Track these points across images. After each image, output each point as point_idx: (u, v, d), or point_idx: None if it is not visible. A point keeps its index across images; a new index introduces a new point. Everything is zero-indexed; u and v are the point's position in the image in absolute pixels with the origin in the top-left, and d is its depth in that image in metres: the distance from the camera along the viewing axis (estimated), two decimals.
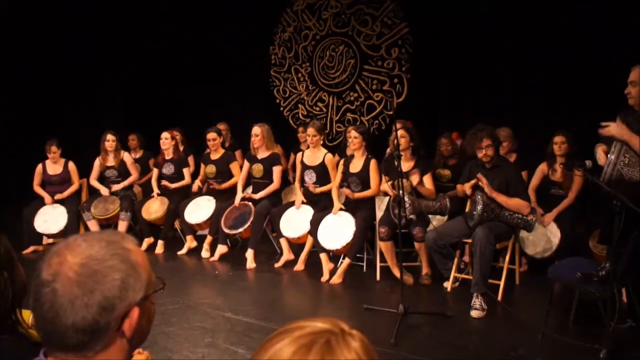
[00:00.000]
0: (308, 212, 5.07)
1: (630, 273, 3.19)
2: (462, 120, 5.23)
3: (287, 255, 5.18)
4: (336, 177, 5.06)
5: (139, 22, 7.85)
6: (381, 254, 4.72)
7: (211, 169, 5.72)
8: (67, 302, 0.90)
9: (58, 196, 5.82)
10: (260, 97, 7.66)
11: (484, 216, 4.02)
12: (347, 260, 4.73)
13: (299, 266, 5.02)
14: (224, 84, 7.70)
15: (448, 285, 4.42)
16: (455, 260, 4.39)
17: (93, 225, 5.80)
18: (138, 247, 1.02)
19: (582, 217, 4.54)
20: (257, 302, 4.23)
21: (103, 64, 7.91)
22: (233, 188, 5.61)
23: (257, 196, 5.36)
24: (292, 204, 5.30)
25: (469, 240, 4.22)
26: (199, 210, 5.57)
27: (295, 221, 5.08)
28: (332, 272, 4.75)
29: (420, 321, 3.74)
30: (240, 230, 5.23)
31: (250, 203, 5.35)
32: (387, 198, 4.83)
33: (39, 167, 5.96)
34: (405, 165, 4.69)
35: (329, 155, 5.21)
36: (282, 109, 7.56)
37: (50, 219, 5.69)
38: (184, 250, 5.62)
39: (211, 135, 5.67)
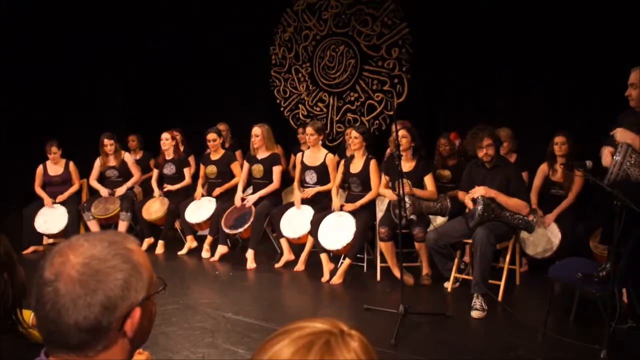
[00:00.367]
0: (308, 212, 5.07)
1: (630, 273, 3.18)
2: (462, 120, 5.23)
3: (287, 255, 5.18)
4: (336, 178, 5.06)
5: (139, 22, 7.85)
6: (381, 254, 4.72)
7: (211, 169, 5.72)
8: (69, 301, 0.90)
9: (59, 198, 5.83)
10: (260, 98, 7.66)
11: (485, 216, 4.02)
12: (347, 261, 4.73)
13: (299, 266, 5.02)
14: (224, 84, 7.69)
15: (448, 285, 4.42)
16: (456, 260, 4.39)
17: (93, 226, 5.81)
18: (140, 248, 1.03)
19: (583, 217, 4.54)
20: (258, 303, 4.23)
21: (103, 64, 7.91)
22: (233, 188, 5.62)
23: (255, 197, 5.35)
24: (292, 204, 5.30)
25: (470, 241, 4.21)
26: (200, 210, 5.57)
27: (295, 221, 5.08)
28: (333, 273, 4.75)
29: (420, 321, 3.74)
30: (241, 230, 5.23)
31: (256, 198, 5.34)
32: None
33: (40, 168, 5.96)
34: (407, 165, 4.69)
35: (330, 156, 5.21)
36: (282, 109, 7.56)
37: (50, 219, 5.70)
38: (184, 251, 5.62)
39: (211, 135, 5.67)
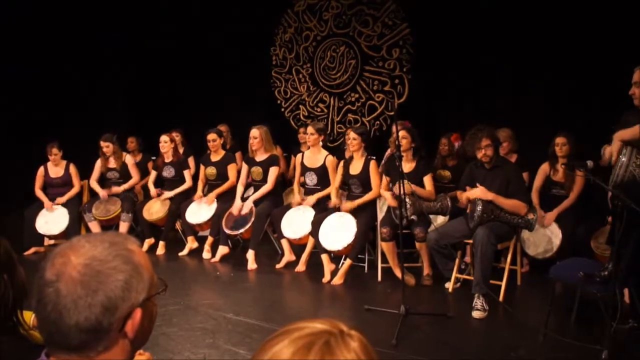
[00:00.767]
0: (309, 213, 5.06)
1: (632, 273, 3.18)
2: (463, 120, 5.23)
3: (288, 256, 5.18)
4: (335, 179, 5.06)
5: (139, 22, 7.85)
6: (382, 254, 4.72)
7: (211, 171, 5.72)
8: (70, 302, 0.90)
9: (59, 200, 5.83)
10: (261, 98, 7.66)
11: (484, 217, 4.02)
12: (348, 261, 4.73)
13: (300, 267, 5.02)
14: (224, 84, 7.69)
15: (449, 285, 4.42)
16: (457, 260, 4.39)
17: (94, 226, 5.81)
18: (140, 249, 1.03)
19: (584, 217, 4.54)
20: (258, 303, 4.23)
21: (103, 64, 7.91)
22: (234, 188, 5.61)
23: (250, 202, 5.32)
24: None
25: (470, 241, 4.21)
26: (200, 211, 5.57)
27: (296, 222, 5.08)
28: (334, 273, 4.75)
29: (421, 322, 3.73)
30: (242, 231, 5.23)
31: (251, 204, 5.34)
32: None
33: (41, 169, 5.96)
34: (407, 166, 4.69)
35: (330, 157, 5.21)
36: (283, 109, 7.55)
37: (51, 220, 5.70)
38: (185, 251, 5.62)
39: (211, 136, 5.67)
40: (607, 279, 3.15)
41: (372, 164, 4.82)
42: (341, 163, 5.09)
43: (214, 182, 5.73)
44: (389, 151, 4.85)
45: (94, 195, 6.16)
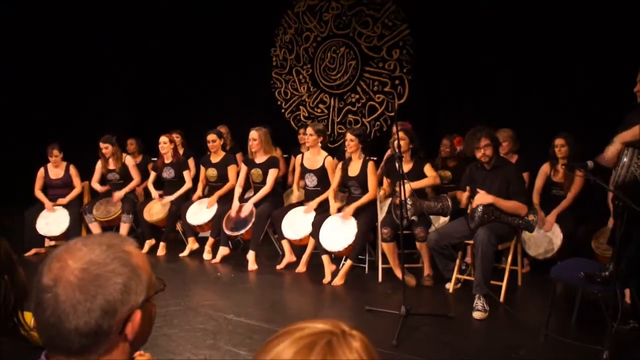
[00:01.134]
0: (310, 214, 5.06)
1: (633, 274, 3.18)
2: (463, 121, 5.23)
3: (289, 257, 5.18)
4: (334, 181, 5.06)
5: (139, 22, 7.86)
6: (383, 255, 4.71)
7: (212, 172, 5.72)
8: (69, 307, 0.90)
9: (60, 201, 5.83)
10: (261, 99, 7.66)
11: (485, 218, 4.02)
12: (349, 262, 4.72)
13: (301, 268, 5.01)
14: (224, 85, 7.70)
15: (450, 286, 4.41)
16: (457, 261, 4.39)
17: (95, 228, 5.81)
18: (138, 250, 1.02)
19: (584, 218, 4.53)
20: (259, 304, 4.23)
21: (103, 64, 7.91)
22: (234, 190, 5.61)
23: (250, 205, 5.29)
24: (293, 205, 5.30)
25: (471, 242, 4.21)
26: (201, 212, 5.57)
27: (297, 223, 5.08)
28: (334, 274, 4.75)
29: (422, 322, 3.73)
30: (242, 232, 5.23)
31: (251, 206, 5.34)
32: (389, 199, 4.83)
33: (41, 171, 5.96)
34: (405, 167, 4.68)
35: (329, 159, 5.20)
36: (283, 110, 7.56)
37: (52, 221, 5.70)
38: (185, 252, 5.62)
39: (211, 136, 5.66)
40: (608, 279, 3.14)
41: (370, 165, 4.82)
42: (339, 165, 5.09)
43: (215, 183, 5.72)
44: (389, 152, 4.86)
45: (94, 196, 6.16)
